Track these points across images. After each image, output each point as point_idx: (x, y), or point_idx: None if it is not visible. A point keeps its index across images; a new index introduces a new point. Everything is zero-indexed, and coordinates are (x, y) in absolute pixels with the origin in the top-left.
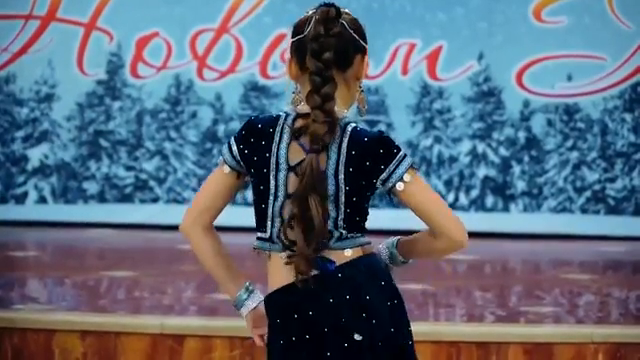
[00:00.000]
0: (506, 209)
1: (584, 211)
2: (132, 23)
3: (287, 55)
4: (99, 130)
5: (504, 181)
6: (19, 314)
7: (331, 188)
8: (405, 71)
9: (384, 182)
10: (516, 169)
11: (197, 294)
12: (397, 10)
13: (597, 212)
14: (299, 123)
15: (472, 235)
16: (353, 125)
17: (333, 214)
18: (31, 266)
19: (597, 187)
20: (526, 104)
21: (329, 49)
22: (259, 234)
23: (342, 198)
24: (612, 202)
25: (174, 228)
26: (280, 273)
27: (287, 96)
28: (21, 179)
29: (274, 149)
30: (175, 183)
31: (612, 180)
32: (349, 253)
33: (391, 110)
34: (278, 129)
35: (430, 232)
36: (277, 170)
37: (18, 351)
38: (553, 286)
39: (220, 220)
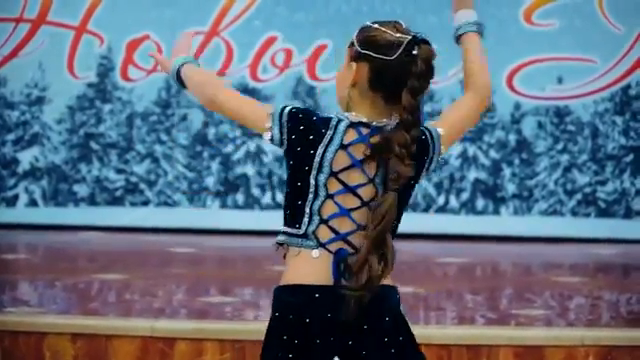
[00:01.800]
0: (497, 212)
1: (575, 214)
2: (122, 26)
3: (346, 55)
4: (90, 133)
5: (495, 184)
6: (10, 317)
7: (380, 192)
8: None
9: (434, 164)
10: (507, 172)
11: (188, 297)
12: (387, 13)
13: (588, 215)
14: (375, 139)
15: (463, 238)
16: None
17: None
18: (22, 269)
19: (588, 190)
20: (517, 107)
21: (424, 91)
22: (288, 229)
23: None
24: (603, 205)
25: (165, 231)
26: (305, 269)
27: (320, 98)
28: (12, 182)
29: (320, 150)
30: (165, 186)
31: (603, 183)
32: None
33: None
34: (330, 132)
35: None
36: (319, 171)
37: (9, 354)
38: (544, 289)
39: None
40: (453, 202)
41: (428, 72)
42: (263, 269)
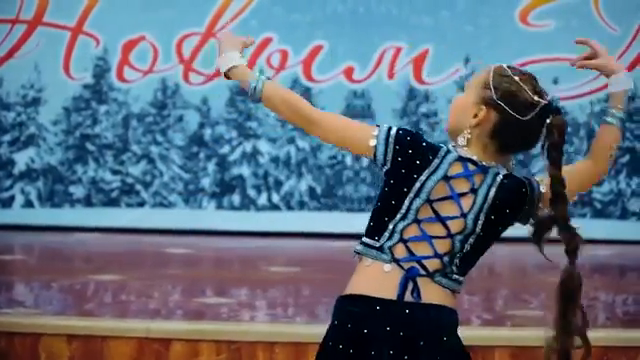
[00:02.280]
0: None
1: (570, 215)
2: (118, 27)
3: (475, 89)
4: (85, 134)
5: None
6: (6, 318)
7: (469, 227)
8: (391, 75)
9: (527, 217)
10: None
11: (183, 298)
12: (383, 14)
13: (584, 215)
14: (493, 179)
15: None
16: (503, 175)
17: (457, 249)
18: (18, 270)
19: None
20: None
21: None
22: (367, 240)
23: (471, 240)
24: (598, 205)
25: (160, 232)
26: (373, 281)
27: (316, 99)
28: (8, 183)
29: (423, 177)
30: (161, 187)
31: (598, 184)
32: (448, 293)
33: (377, 114)
34: (437, 161)
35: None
36: (416, 196)
37: (5, 354)
38: (539, 290)
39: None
40: None
41: (563, 143)
42: (259, 270)
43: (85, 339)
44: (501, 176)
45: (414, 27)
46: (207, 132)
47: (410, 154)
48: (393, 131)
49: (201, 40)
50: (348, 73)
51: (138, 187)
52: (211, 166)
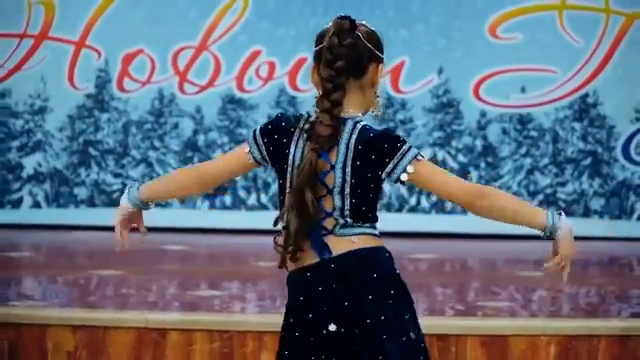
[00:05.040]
0: (464, 212)
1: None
2: (119, 41)
3: (312, 62)
4: (88, 140)
5: None
6: (14, 310)
7: (338, 180)
8: None
9: (389, 174)
10: (474, 174)
11: (179, 291)
12: None
13: None
14: (308, 125)
15: (433, 236)
16: (363, 123)
17: (339, 204)
18: (26, 266)
19: (549, 191)
20: (483, 114)
21: (341, 58)
22: (282, 224)
23: (347, 189)
24: (563, 205)
25: (158, 230)
26: (300, 254)
27: (301, 107)
28: (17, 185)
29: (292, 148)
30: None
31: (563, 184)
32: (356, 240)
33: None
34: (298, 130)
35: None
36: (293, 166)
37: (14, 345)
38: (508, 283)
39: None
40: (424, 203)
41: (339, 43)
42: (249, 265)
43: (88, 329)
44: (361, 124)
45: (391, 40)
46: (201, 138)
47: (276, 138)
48: (257, 131)
49: (195, 53)
50: None
51: None
52: None
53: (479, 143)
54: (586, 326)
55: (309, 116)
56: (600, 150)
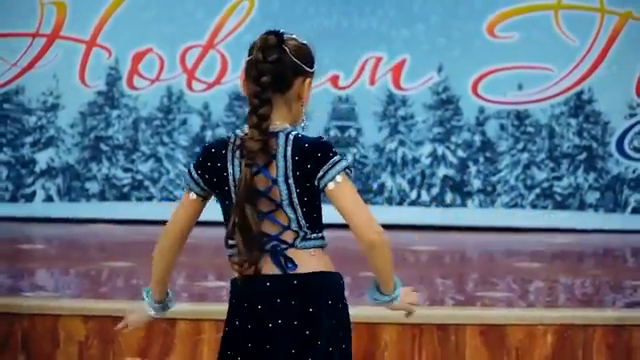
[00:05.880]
0: (463, 205)
1: (534, 206)
2: (129, 40)
3: (243, 75)
4: (99, 136)
5: (462, 180)
6: (28, 301)
7: (284, 192)
8: (373, 82)
9: (319, 181)
10: (472, 169)
11: (188, 282)
12: (365, 27)
13: (545, 207)
14: (239, 142)
15: (433, 228)
16: (294, 133)
17: (292, 215)
18: (39, 258)
19: (545, 185)
20: (481, 111)
21: (265, 74)
22: (231, 242)
23: (296, 200)
24: (559, 198)
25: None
26: (261, 264)
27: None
28: (30, 180)
29: (229, 169)
30: (168, 183)
31: (559, 178)
32: (314, 253)
33: (360, 117)
34: (230, 149)
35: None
36: (235, 186)
37: (27, 334)
38: (506, 274)
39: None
40: (424, 196)
41: (263, 58)
42: None
43: (99, 319)
44: (292, 135)
45: (393, 39)
46: (208, 134)
47: (210, 166)
48: (191, 167)
49: (202, 52)
50: (334, 80)
51: (147, 183)
52: None
53: (478, 139)
54: (582, 316)
55: (237, 136)
56: (595, 145)
